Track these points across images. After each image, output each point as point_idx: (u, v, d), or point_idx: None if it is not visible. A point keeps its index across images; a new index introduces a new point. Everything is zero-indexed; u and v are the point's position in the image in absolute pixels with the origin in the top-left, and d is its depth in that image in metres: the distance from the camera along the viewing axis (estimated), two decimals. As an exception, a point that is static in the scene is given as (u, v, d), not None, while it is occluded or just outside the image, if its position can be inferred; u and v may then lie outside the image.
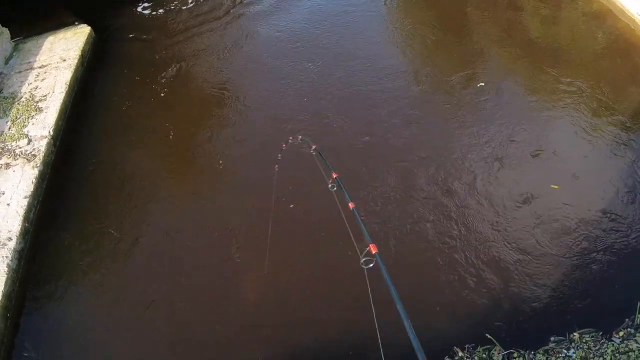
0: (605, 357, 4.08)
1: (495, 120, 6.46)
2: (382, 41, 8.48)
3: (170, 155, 7.01)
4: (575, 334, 4.33)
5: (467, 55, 7.72)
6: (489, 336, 4.41)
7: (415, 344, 1.37)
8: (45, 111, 7.54)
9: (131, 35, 9.77)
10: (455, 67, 7.47)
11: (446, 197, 5.65)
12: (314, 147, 4.08)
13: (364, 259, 2.00)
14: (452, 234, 5.28)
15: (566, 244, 5.02)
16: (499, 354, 4.28)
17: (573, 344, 4.26)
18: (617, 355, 4.08)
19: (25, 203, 6.14)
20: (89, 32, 9.48)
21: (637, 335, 4.21)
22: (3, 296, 5.24)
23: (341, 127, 6.77)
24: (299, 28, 9.02)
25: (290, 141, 4.87)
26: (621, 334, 4.29)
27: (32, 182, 6.39)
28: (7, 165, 6.68)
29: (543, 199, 5.47)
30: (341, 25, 8.87)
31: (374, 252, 1.99)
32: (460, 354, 4.34)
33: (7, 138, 7.13)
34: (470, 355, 4.33)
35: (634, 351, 4.06)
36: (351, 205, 2.65)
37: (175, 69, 8.65)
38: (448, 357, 4.34)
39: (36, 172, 6.52)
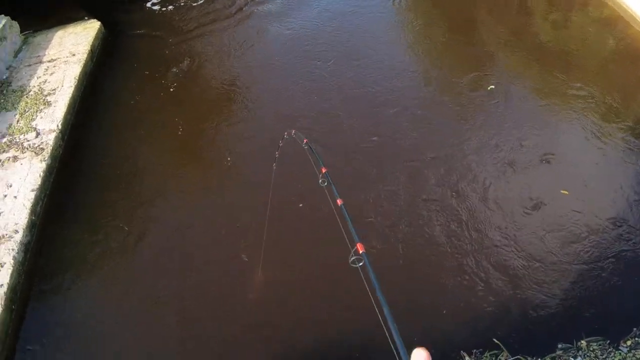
0: (612, 365, 4.11)
1: (505, 124, 6.47)
2: (391, 41, 8.53)
3: (179, 150, 7.05)
4: (582, 342, 4.34)
5: (476, 57, 7.75)
6: (496, 341, 4.42)
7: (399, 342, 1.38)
8: (53, 105, 7.58)
9: (141, 31, 9.83)
10: (464, 69, 7.50)
11: (455, 199, 5.66)
12: (305, 140, 4.08)
13: (352, 258, 2.00)
14: (460, 238, 5.29)
15: (575, 251, 5.03)
16: (505, 359, 4.29)
17: (580, 352, 4.27)
18: (624, 363, 4.10)
19: (32, 196, 6.17)
20: (98, 27, 9.53)
21: (645, 343, 4.23)
22: (8, 288, 5.26)
23: (350, 125, 6.81)
24: (309, 26, 9.07)
25: (285, 136, 4.90)
26: (628, 342, 4.30)
27: (40, 175, 6.42)
28: (15, 158, 6.71)
29: (552, 204, 5.48)
30: (351, 25, 8.93)
31: (360, 252, 1.98)
32: (467, 358, 4.35)
33: (15, 131, 7.17)
34: (477, 360, 4.35)
35: (641, 360, 4.07)
36: (339, 202, 2.63)
37: (184, 64, 8.71)
38: (454, 362, 4.38)
39: (44, 165, 6.56)
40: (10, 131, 7.19)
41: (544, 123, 6.43)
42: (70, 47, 8.99)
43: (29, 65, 8.71)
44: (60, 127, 7.17)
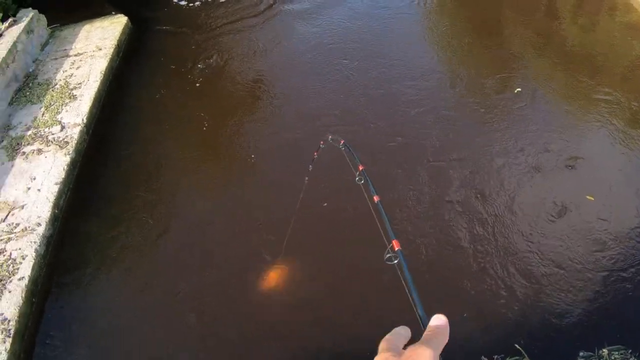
0: (633, 375, 4.07)
1: (530, 127, 6.44)
2: (417, 41, 8.56)
3: (203, 146, 7.13)
4: (604, 350, 4.30)
5: (503, 59, 7.72)
6: (517, 347, 4.39)
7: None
8: (79, 99, 7.69)
9: (167, 27, 9.94)
10: (491, 71, 7.48)
11: (479, 202, 5.64)
12: (341, 142, 4.10)
13: (387, 255, 1.99)
14: (484, 241, 5.27)
15: (599, 259, 4.98)
16: (527, 366, 4.27)
17: (601, 360, 4.25)
18: (646, 374, 4.05)
19: (55, 189, 6.27)
20: (125, 22, 9.66)
21: (668, 355, 4.18)
22: (29, 281, 5.35)
23: (375, 124, 6.84)
24: (336, 25, 9.11)
25: (322, 146, 4.90)
26: (651, 352, 4.26)
27: (63, 169, 6.52)
28: (39, 151, 6.83)
29: (577, 211, 5.43)
30: (377, 25, 8.97)
31: (396, 249, 1.96)
32: (488, 363, 4.34)
33: (40, 124, 7.29)
34: (499, 366, 4.33)
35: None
36: (376, 199, 2.62)
37: (211, 60, 8.78)
38: (476, 367, 4.36)
39: (68, 159, 6.66)
40: (35, 124, 7.31)
41: (570, 127, 6.39)
42: (97, 41, 9.13)
43: (56, 59, 8.86)
44: (85, 121, 7.28)
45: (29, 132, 7.16)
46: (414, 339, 1.07)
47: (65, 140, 6.93)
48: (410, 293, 1.47)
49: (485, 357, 4.38)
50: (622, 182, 5.68)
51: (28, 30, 8.83)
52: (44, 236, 5.80)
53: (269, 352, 4.78)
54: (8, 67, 8.03)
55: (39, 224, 5.88)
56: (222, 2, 10.35)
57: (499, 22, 8.70)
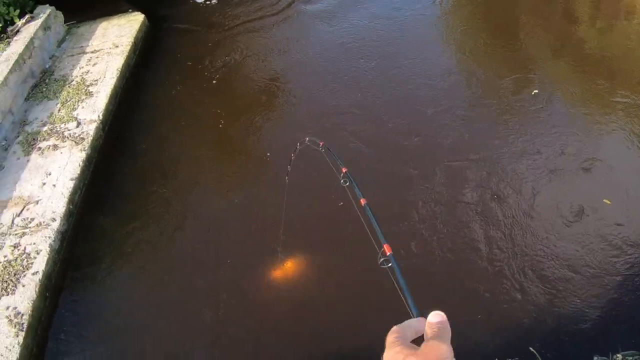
0: (646, 380, 4.06)
1: (547, 129, 6.45)
2: (434, 42, 8.61)
3: (219, 143, 7.23)
4: (618, 355, 4.29)
5: (520, 61, 7.75)
6: (532, 350, 4.40)
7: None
8: (95, 95, 7.80)
9: (184, 24, 10.06)
10: (508, 72, 7.51)
11: (495, 204, 5.66)
12: (321, 144, 4.08)
13: (380, 259, 1.97)
14: (499, 243, 5.28)
15: (615, 264, 4.97)
16: (541, 369, 4.28)
17: (615, 365, 4.25)
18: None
19: (70, 185, 6.37)
20: (142, 19, 9.79)
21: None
22: (43, 276, 5.43)
23: (392, 123, 6.90)
24: (354, 25, 9.19)
25: (298, 147, 4.92)
26: (664, 358, 4.26)
27: (79, 165, 6.61)
28: (55, 147, 6.94)
29: (594, 215, 5.42)
30: (395, 25, 9.03)
31: (388, 253, 1.94)
32: (502, 366, 4.35)
33: (56, 120, 7.41)
34: (512, 368, 4.35)
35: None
36: (363, 202, 2.58)
37: (227, 57, 8.89)
38: (489, 368, 4.37)
39: (83, 155, 6.75)
40: (51, 120, 7.43)
41: (587, 130, 6.39)
42: (114, 38, 9.25)
43: (72, 56, 8.99)
44: (101, 117, 7.38)
45: (45, 128, 7.27)
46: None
47: (81, 136, 7.03)
48: (405, 297, 1.50)
49: (498, 359, 4.39)
50: (639, 186, 5.68)
51: (45, 27, 8.97)
52: (58, 231, 5.89)
53: (282, 350, 4.83)
54: (25, 63, 8.17)
55: (53, 219, 5.97)
56: (239, 0, 10.45)
57: (516, 24, 8.73)
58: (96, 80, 8.14)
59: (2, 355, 4.78)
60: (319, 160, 3.99)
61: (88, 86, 8.02)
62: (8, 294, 5.27)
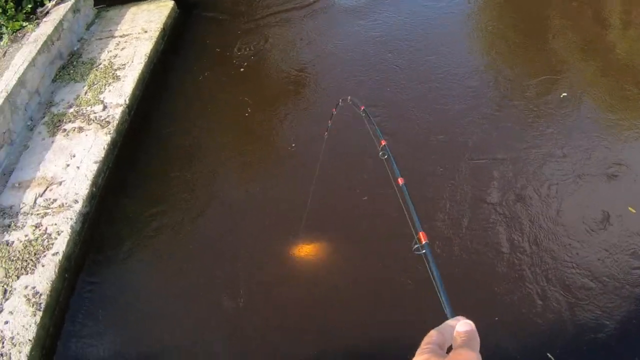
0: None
1: (574, 134, 6.38)
2: (463, 39, 8.56)
3: (244, 131, 7.27)
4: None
5: (549, 63, 7.67)
6: (550, 356, 4.37)
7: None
8: (122, 79, 7.89)
9: (214, 12, 10.14)
10: (536, 74, 7.44)
11: (519, 206, 5.61)
12: (362, 107, 4.02)
13: (415, 246, 1.92)
14: (521, 247, 5.23)
15: (637, 276, 4.89)
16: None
17: (635, 377, 4.21)
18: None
19: (94, 168, 6.45)
20: (172, 5, 9.87)
21: None
22: (63, 256, 5.52)
23: (418, 119, 6.88)
24: (383, 19, 9.18)
25: (340, 104, 4.91)
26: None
27: (104, 148, 6.69)
28: (80, 129, 7.03)
29: (618, 223, 5.33)
30: (424, 21, 9.01)
31: (423, 242, 1.89)
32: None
33: (82, 102, 7.51)
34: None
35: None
36: (400, 181, 2.48)
37: (256, 46, 8.95)
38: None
39: (108, 138, 6.84)
40: (77, 102, 7.53)
41: (614, 136, 6.30)
42: (143, 24, 9.35)
43: (100, 39, 9.11)
44: (127, 102, 7.46)
45: (71, 110, 7.38)
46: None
47: (107, 120, 7.12)
48: (438, 288, 1.48)
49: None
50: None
51: (75, 9, 9.10)
52: (80, 213, 5.97)
53: (302, 341, 4.85)
54: (53, 44, 8.29)
55: (76, 201, 6.06)
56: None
57: (545, 24, 8.66)
58: (124, 64, 8.24)
59: (18, 334, 4.87)
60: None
61: (115, 70, 8.12)
62: (27, 273, 5.36)
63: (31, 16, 8.83)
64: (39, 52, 7.82)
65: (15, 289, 5.24)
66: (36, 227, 5.82)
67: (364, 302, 5.07)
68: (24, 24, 8.56)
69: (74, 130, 7.02)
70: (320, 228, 5.70)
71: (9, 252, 5.59)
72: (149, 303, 5.33)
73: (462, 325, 1.13)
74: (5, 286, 5.27)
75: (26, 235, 5.74)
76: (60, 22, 8.56)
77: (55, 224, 5.82)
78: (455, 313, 1.26)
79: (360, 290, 5.18)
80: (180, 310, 5.21)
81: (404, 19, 9.08)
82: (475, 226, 5.49)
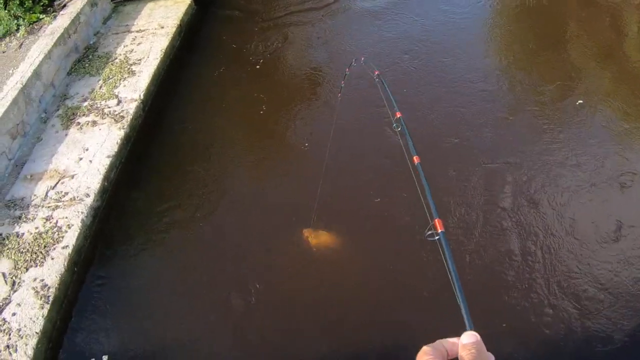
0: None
1: (589, 142, 6.35)
2: (479, 43, 8.58)
3: (258, 128, 7.34)
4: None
5: (565, 69, 7.66)
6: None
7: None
8: (137, 75, 7.94)
9: (231, 10, 10.18)
10: (552, 79, 7.44)
11: (531, 213, 5.60)
12: (376, 72, 3.94)
13: (428, 232, 1.89)
14: (532, 255, 5.22)
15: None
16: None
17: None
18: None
19: (107, 162, 6.50)
20: (189, 2, 9.90)
21: None
22: (73, 250, 5.56)
23: (433, 121, 6.92)
24: (400, 21, 9.22)
25: (353, 64, 4.87)
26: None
27: (117, 143, 6.74)
28: (94, 123, 7.09)
29: (632, 235, 5.31)
30: (441, 23, 9.05)
31: (439, 230, 1.86)
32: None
33: (97, 96, 7.57)
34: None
35: None
36: (416, 159, 2.41)
37: (273, 44, 9.00)
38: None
39: (122, 133, 6.88)
40: (92, 96, 7.59)
41: (629, 146, 6.27)
42: (160, 19, 9.41)
43: (117, 34, 9.18)
44: (142, 97, 7.51)
45: (85, 104, 7.44)
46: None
47: (121, 114, 7.17)
48: (453, 280, 1.48)
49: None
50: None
51: (92, 3, 9.18)
52: (91, 207, 6.02)
53: (311, 341, 4.87)
54: (70, 37, 8.37)
55: (87, 195, 6.11)
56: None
57: (562, 32, 8.64)
58: (139, 59, 8.30)
59: (25, 326, 4.91)
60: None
61: (131, 65, 8.18)
62: (37, 266, 5.41)
63: (48, 8, 8.92)
64: (55, 45, 7.90)
65: (24, 280, 5.29)
66: (47, 219, 5.87)
67: (375, 300, 5.11)
68: (41, 16, 8.65)
69: (88, 124, 7.08)
70: (331, 225, 5.74)
71: (18, 244, 5.65)
72: (158, 299, 5.35)
73: (467, 337, 1.11)
74: (14, 278, 5.33)
75: (36, 228, 5.79)
76: (78, 16, 8.64)
77: (66, 217, 5.87)
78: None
79: (372, 287, 5.22)
80: (188, 307, 5.25)
81: (421, 21, 9.11)
82: (487, 231, 5.49)
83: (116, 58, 8.42)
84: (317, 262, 5.47)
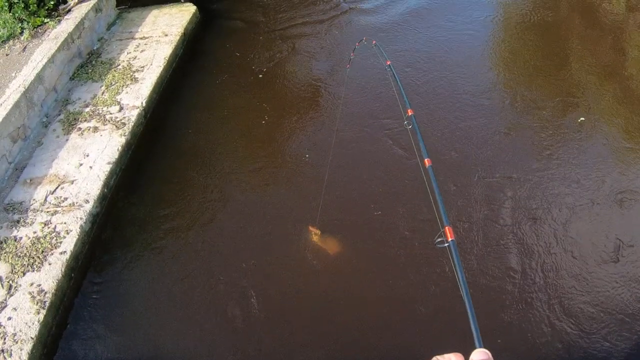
0: None
1: (589, 159, 6.43)
2: (482, 57, 8.70)
3: (260, 137, 7.41)
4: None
5: (567, 87, 7.77)
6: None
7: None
8: (140, 82, 8.01)
9: (235, 20, 10.31)
10: (553, 96, 7.56)
11: (530, 229, 5.67)
12: (387, 63, 3.92)
13: (438, 239, 1.88)
14: (531, 272, 5.27)
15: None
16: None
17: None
18: None
19: (107, 168, 6.55)
20: (194, 11, 10.01)
21: None
22: (70, 256, 5.59)
23: (433, 135, 7.01)
24: (404, 32, 9.37)
25: (357, 46, 4.85)
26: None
27: (117, 150, 6.79)
28: (95, 129, 7.14)
29: (631, 255, 5.35)
30: (444, 38, 9.18)
31: (449, 239, 1.85)
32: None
33: (99, 102, 7.63)
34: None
35: None
36: (427, 162, 2.42)
37: (276, 53, 9.14)
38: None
39: (123, 140, 6.93)
40: (94, 102, 7.66)
41: (629, 165, 6.34)
42: (164, 27, 9.50)
43: (120, 40, 9.26)
44: (144, 104, 7.58)
45: (87, 109, 7.50)
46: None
47: (123, 121, 7.23)
48: (462, 291, 1.52)
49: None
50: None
51: (97, 9, 9.25)
52: (90, 213, 6.06)
53: (308, 352, 4.91)
54: (73, 42, 8.44)
55: (87, 201, 6.15)
56: (292, 3, 10.69)
57: (565, 50, 8.74)
58: (142, 66, 8.37)
59: (21, 331, 4.93)
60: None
61: (134, 72, 8.25)
62: (34, 271, 5.44)
63: (53, 13, 8.99)
64: (58, 49, 7.97)
65: (20, 285, 5.32)
66: (45, 224, 5.91)
67: (375, 313, 5.15)
68: (46, 20, 8.72)
69: (89, 129, 7.13)
70: (334, 230, 5.85)
71: (16, 248, 5.68)
72: (154, 307, 5.38)
73: (478, 354, 1.11)
74: (10, 282, 5.35)
75: (35, 232, 5.83)
76: (82, 21, 8.71)
77: (65, 223, 5.91)
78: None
79: (372, 301, 5.26)
80: (185, 315, 5.27)
81: (425, 35, 9.23)
82: (486, 247, 5.55)
83: (119, 64, 8.49)
84: (317, 274, 5.51)
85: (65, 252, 5.61)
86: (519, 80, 8.06)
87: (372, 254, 5.68)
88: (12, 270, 5.46)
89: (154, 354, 5.04)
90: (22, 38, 8.42)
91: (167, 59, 8.56)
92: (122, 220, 6.30)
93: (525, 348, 4.73)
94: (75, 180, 6.42)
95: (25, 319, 5.03)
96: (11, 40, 8.42)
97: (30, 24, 8.57)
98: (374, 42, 4.75)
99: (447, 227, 1.90)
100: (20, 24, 8.54)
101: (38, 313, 5.06)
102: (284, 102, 8.05)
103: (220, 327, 5.13)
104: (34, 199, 6.23)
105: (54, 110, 7.62)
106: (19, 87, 7.11)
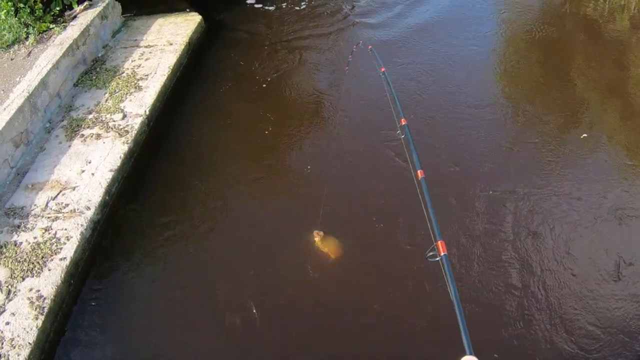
0: None
1: (591, 177, 6.48)
2: (485, 72, 8.83)
3: (262, 147, 7.47)
4: None
5: (570, 103, 7.85)
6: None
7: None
8: (144, 90, 8.07)
9: (240, 30, 10.44)
10: (557, 112, 7.64)
11: (531, 246, 5.70)
12: (382, 69, 3.97)
13: (429, 253, 1.90)
14: (530, 289, 5.28)
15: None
16: None
17: None
18: None
19: (109, 176, 6.59)
20: (199, 20, 10.11)
21: None
22: (70, 262, 5.60)
23: (434, 148, 7.09)
24: (408, 47, 9.49)
25: (354, 49, 4.91)
26: None
27: (120, 157, 6.83)
28: (98, 136, 7.20)
29: (632, 273, 5.37)
30: (449, 52, 9.31)
31: (442, 253, 1.88)
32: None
33: (102, 109, 7.69)
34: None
35: None
36: (420, 174, 2.42)
37: (280, 63, 9.24)
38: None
39: (125, 147, 6.98)
40: (97, 109, 7.71)
41: (631, 182, 6.39)
42: (169, 36, 9.59)
43: (125, 48, 9.34)
44: (147, 112, 7.63)
45: (90, 116, 7.56)
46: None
47: (126, 129, 7.29)
48: (454, 303, 1.57)
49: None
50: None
51: (102, 16, 9.34)
52: (91, 220, 6.10)
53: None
54: (78, 48, 8.52)
55: (88, 208, 6.19)
56: (297, 9, 10.81)
57: (569, 66, 8.82)
58: (147, 75, 8.45)
59: (18, 336, 4.93)
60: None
61: (138, 80, 8.32)
62: (33, 276, 5.45)
63: (58, 19, 9.07)
64: (63, 55, 8.03)
65: (19, 290, 5.33)
66: (46, 230, 5.94)
67: (374, 326, 5.16)
68: (51, 25, 8.79)
69: (92, 136, 7.19)
70: (334, 239, 5.90)
71: (16, 253, 5.70)
72: (154, 315, 5.38)
73: None
74: (9, 287, 5.37)
75: (35, 238, 5.86)
76: (87, 27, 8.79)
77: (65, 229, 5.94)
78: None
79: (370, 313, 5.28)
80: (185, 324, 5.27)
81: (430, 49, 9.34)
82: (485, 262, 5.56)
83: (123, 72, 8.57)
84: (317, 285, 5.52)
85: (65, 258, 5.63)
86: (522, 95, 8.14)
87: (372, 266, 5.70)
88: (12, 275, 5.48)
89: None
90: (27, 43, 8.49)
91: (171, 67, 8.64)
92: (123, 228, 6.33)
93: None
94: (77, 186, 6.46)
95: (23, 324, 5.04)
96: (16, 45, 8.49)
97: (35, 29, 8.64)
98: (369, 47, 4.82)
99: (439, 242, 1.94)
100: (25, 29, 8.60)
101: (36, 319, 5.07)
102: (288, 112, 8.13)
103: (219, 336, 5.14)
104: (35, 205, 6.27)
105: (57, 116, 7.68)
106: (22, 92, 7.17)
